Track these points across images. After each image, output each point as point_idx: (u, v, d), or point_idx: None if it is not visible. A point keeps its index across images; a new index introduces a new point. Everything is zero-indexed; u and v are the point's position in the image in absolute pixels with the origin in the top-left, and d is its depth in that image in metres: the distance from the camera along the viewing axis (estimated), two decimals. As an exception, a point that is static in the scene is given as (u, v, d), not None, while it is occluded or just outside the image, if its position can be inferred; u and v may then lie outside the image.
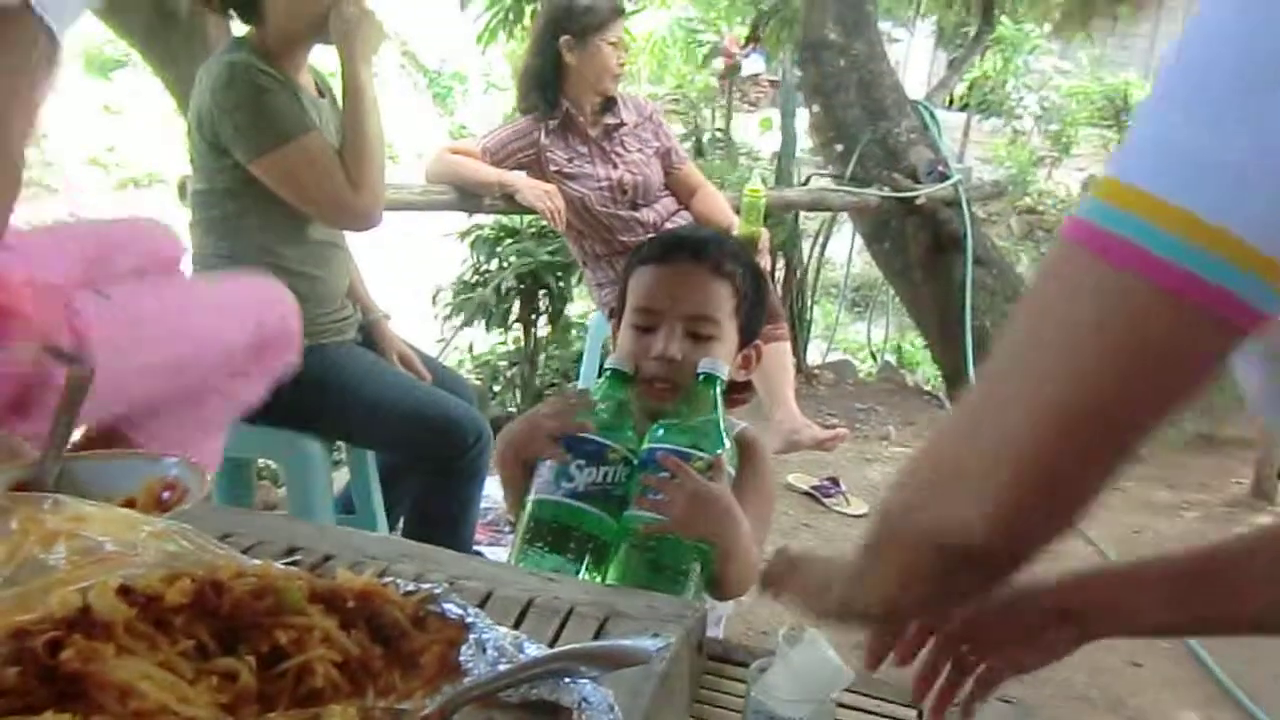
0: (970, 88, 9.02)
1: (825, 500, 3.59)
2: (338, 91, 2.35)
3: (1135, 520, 3.75)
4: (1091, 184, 0.62)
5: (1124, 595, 1.00)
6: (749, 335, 1.53)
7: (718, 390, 1.38)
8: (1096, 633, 1.00)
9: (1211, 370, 0.62)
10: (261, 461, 3.10)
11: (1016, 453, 0.64)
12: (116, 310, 1.47)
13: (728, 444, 1.37)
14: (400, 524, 2.52)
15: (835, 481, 3.65)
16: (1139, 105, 0.65)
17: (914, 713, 1.21)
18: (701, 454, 1.33)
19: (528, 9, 5.19)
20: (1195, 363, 0.61)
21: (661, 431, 1.37)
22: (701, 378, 1.39)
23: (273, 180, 2.22)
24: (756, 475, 1.47)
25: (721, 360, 1.42)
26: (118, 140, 9.27)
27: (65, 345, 1.30)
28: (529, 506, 1.35)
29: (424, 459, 2.34)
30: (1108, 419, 0.63)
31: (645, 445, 1.37)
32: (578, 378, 3.88)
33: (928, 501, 0.72)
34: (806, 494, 3.64)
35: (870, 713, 1.20)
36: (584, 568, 1.31)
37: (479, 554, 2.47)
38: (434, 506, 2.35)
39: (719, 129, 5.91)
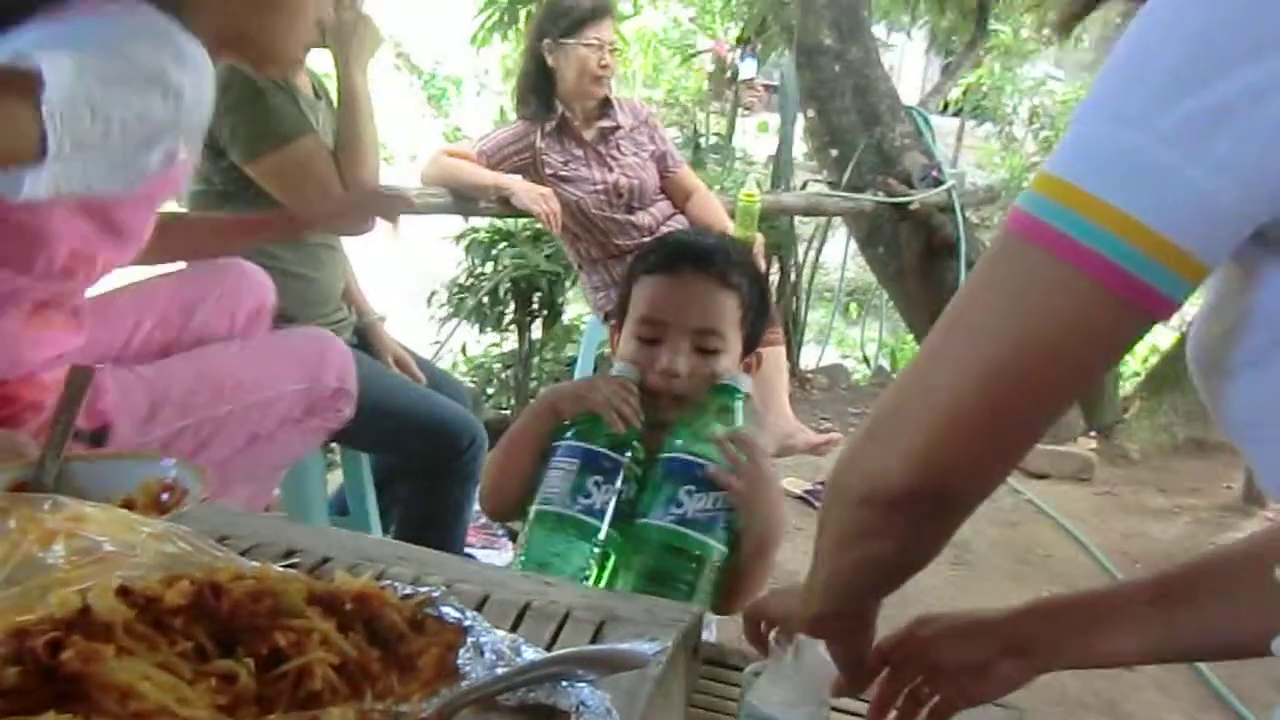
0: (964, 93, 9.03)
1: (818, 504, 3.59)
2: (334, 94, 2.35)
3: (1127, 525, 3.77)
4: (1034, 178, 0.66)
5: (1076, 626, 1.00)
6: (752, 344, 1.53)
7: (738, 403, 1.40)
8: (1049, 665, 1.00)
9: (1121, 347, 0.69)
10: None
11: (938, 402, 0.71)
12: (144, 383, 1.53)
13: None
14: (394, 527, 2.52)
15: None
16: (1078, 105, 0.69)
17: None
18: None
19: (522, 11, 5.19)
20: (1105, 338, 0.68)
21: (680, 440, 1.39)
22: (722, 389, 1.42)
23: (267, 182, 2.22)
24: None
25: (733, 371, 1.46)
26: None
27: (85, 425, 1.36)
28: (547, 517, 1.36)
29: (418, 461, 2.34)
30: (1024, 378, 0.68)
31: (667, 453, 1.39)
32: (571, 378, 3.88)
33: (857, 461, 0.79)
34: (800, 498, 3.64)
35: (863, 716, 1.20)
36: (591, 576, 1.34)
37: (471, 557, 2.48)
38: (427, 508, 2.35)
39: (717, 134, 5.91)
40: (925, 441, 0.71)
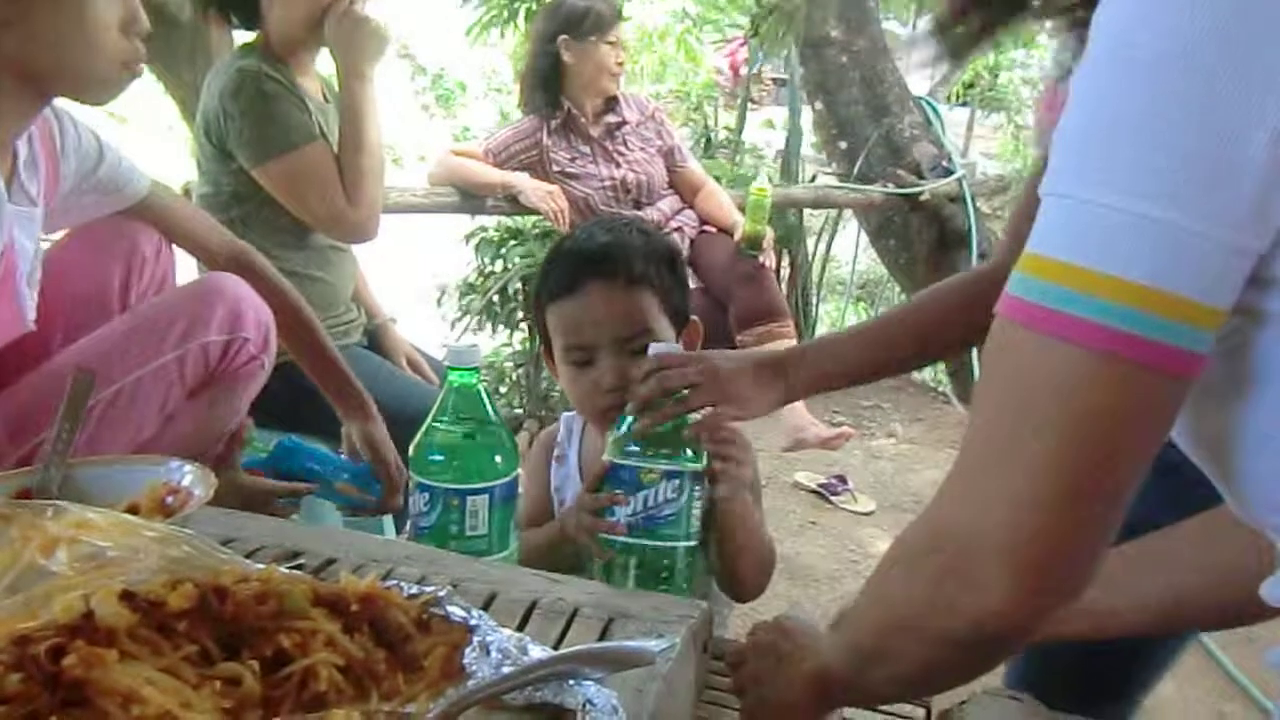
0: (972, 83, 8.99)
1: (832, 498, 3.59)
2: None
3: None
4: (1020, 261, 0.64)
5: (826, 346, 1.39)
6: (682, 319, 1.48)
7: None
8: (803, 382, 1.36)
9: (1169, 418, 0.65)
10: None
11: (1009, 544, 0.67)
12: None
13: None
14: (407, 527, 2.51)
15: (842, 479, 3.64)
16: (1046, 177, 0.66)
17: (922, 710, 1.21)
18: (678, 465, 1.29)
19: (521, 8, 5.18)
20: (1148, 415, 0.65)
21: (635, 446, 1.30)
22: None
23: (274, 187, 2.23)
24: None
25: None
26: (122, 147, 9.29)
27: None
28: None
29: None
30: (1080, 490, 0.65)
31: (616, 458, 1.30)
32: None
33: (943, 602, 0.72)
34: (813, 492, 3.63)
35: (878, 711, 1.19)
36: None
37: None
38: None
39: (727, 128, 5.89)
40: (1016, 590, 0.67)
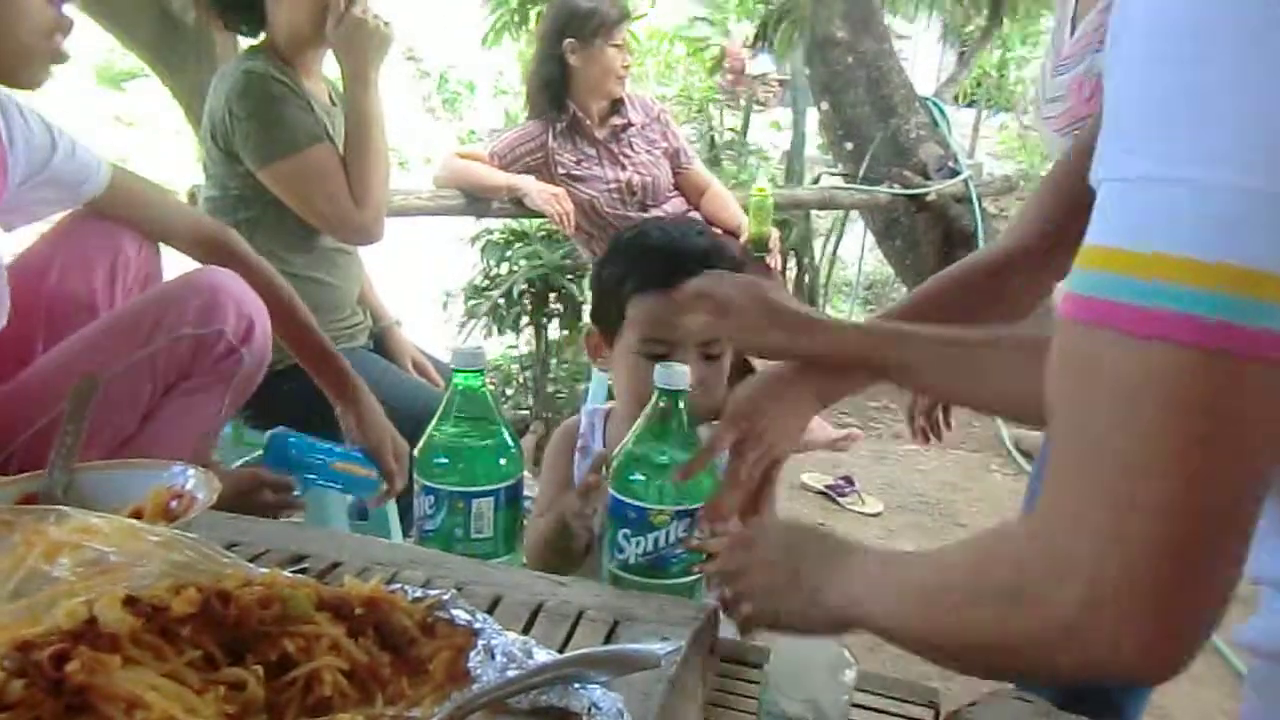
0: (979, 84, 8.98)
1: (840, 499, 3.58)
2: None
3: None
4: (1082, 256, 0.59)
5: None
6: None
7: (680, 404, 1.28)
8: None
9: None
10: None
11: (1138, 578, 0.59)
12: None
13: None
14: (414, 530, 2.51)
15: (850, 480, 3.64)
16: (1098, 164, 0.61)
17: (931, 711, 1.20)
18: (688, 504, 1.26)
19: (532, 11, 5.19)
20: (1263, 412, 0.56)
21: (620, 465, 1.26)
22: (667, 395, 1.28)
23: (279, 189, 2.23)
24: None
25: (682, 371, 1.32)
26: (130, 151, 9.32)
27: None
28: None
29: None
30: (1207, 511, 0.58)
31: (622, 494, 1.26)
32: (588, 378, 3.87)
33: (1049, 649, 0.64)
34: (821, 493, 3.62)
35: (886, 713, 1.19)
36: None
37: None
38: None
39: (732, 129, 5.89)
40: (1152, 633, 0.60)
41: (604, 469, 1.31)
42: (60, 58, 1.53)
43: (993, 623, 0.68)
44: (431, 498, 1.27)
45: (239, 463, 1.79)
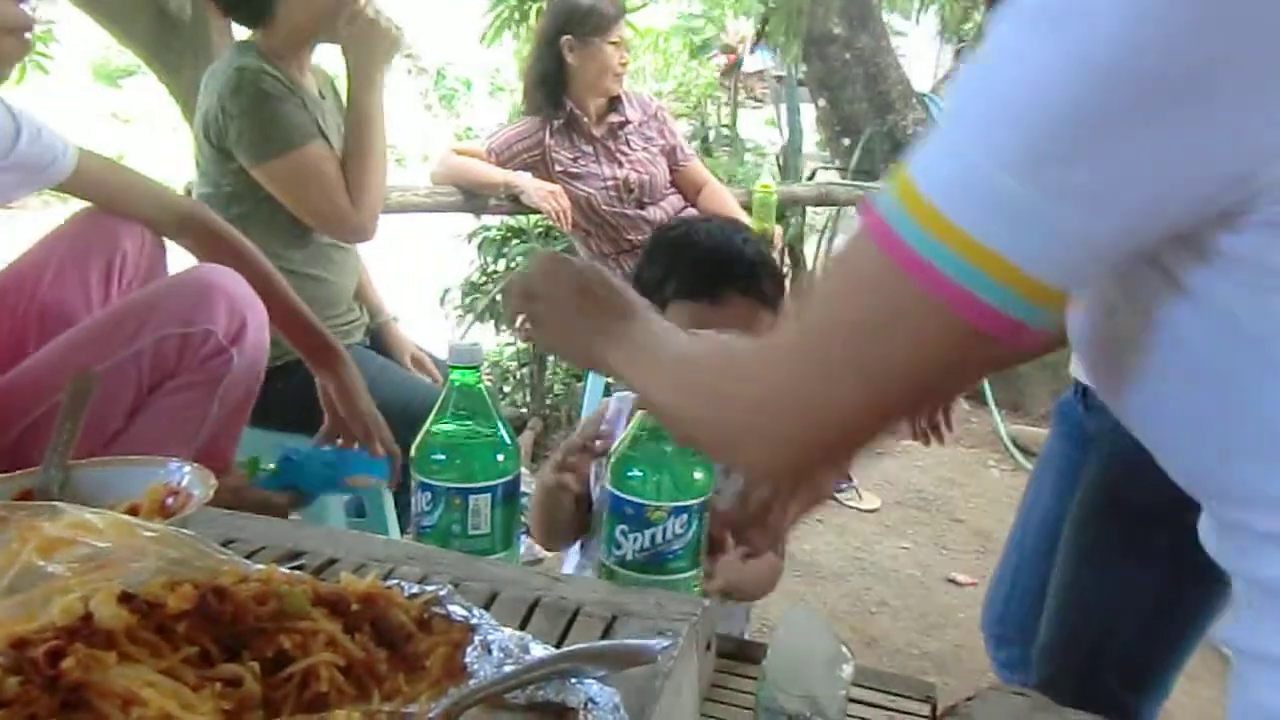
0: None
1: (838, 496, 3.59)
2: (343, 93, 2.34)
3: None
4: (893, 177, 0.67)
5: None
6: None
7: None
8: None
9: (976, 370, 0.78)
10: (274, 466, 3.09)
11: (815, 412, 0.74)
12: None
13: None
14: (410, 527, 2.51)
15: (847, 477, 3.64)
16: (942, 110, 0.72)
17: (928, 706, 1.20)
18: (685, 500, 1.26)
19: (532, 8, 5.18)
20: (962, 364, 0.70)
21: (637, 472, 1.27)
22: None
23: (274, 186, 2.22)
24: None
25: None
26: (127, 148, 9.31)
27: None
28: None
29: (434, 461, 2.34)
30: (901, 399, 0.73)
31: (619, 490, 1.27)
32: (585, 377, 3.87)
33: (736, 437, 0.81)
34: (819, 490, 3.62)
35: (883, 708, 1.19)
36: None
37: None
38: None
39: (724, 125, 5.88)
40: (786, 452, 0.77)
41: (596, 447, 1.32)
42: (22, 53, 1.52)
43: (707, 410, 0.84)
44: (429, 494, 1.27)
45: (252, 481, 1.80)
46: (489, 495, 1.26)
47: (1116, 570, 1.53)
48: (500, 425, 1.29)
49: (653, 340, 0.97)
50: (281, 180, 2.21)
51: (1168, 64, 0.58)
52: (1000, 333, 0.66)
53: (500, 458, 1.28)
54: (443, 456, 1.27)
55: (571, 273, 1.08)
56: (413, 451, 1.30)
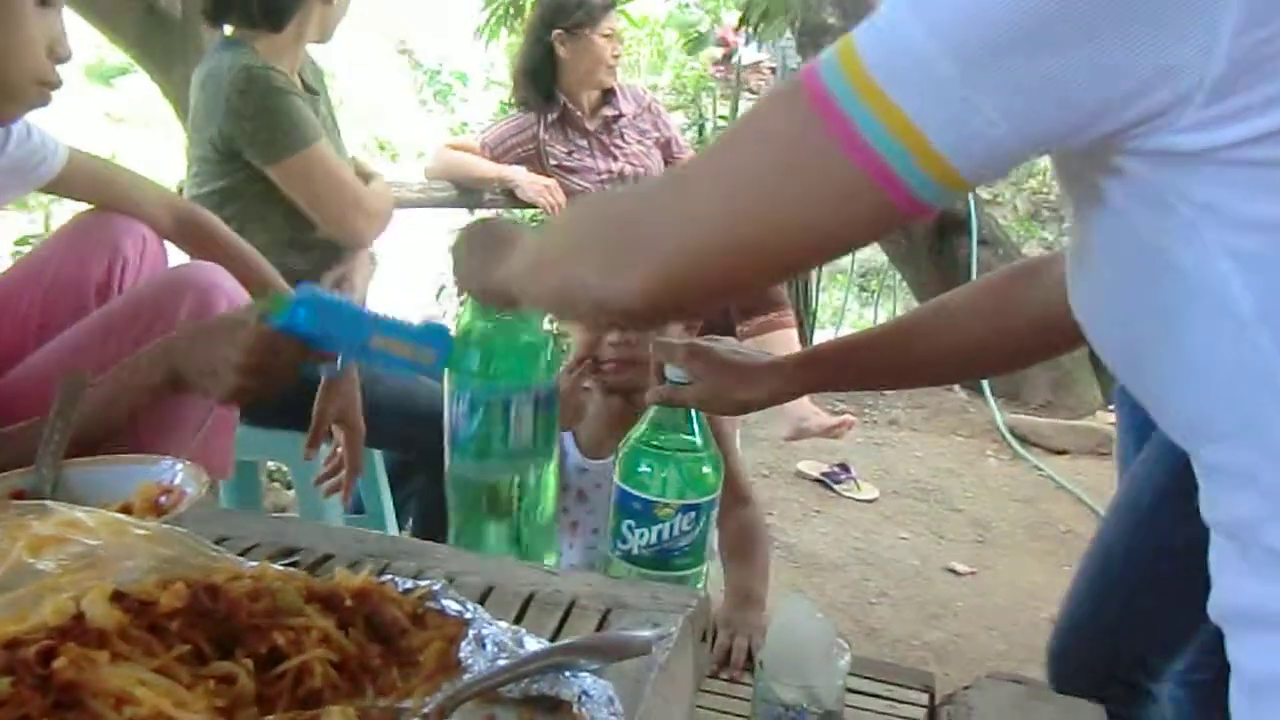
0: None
1: (836, 486, 3.58)
2: (331, 90, 2.34)
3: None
4: (841, 41, 0.69)
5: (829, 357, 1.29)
6: None
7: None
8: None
9: (871, 239, 0.75)
10: (273, 464, 3.10)
11: (685, 241, 0.74)
12: None
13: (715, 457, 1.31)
14: (410, 523, 2.51)
15: (845, 467, 3.63)
16: None
17: (925, 695, 1.20)
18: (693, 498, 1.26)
19: (527, 3, 5.17)
20: (860, 229, 0.72)
21: (646, 468, 1.26)
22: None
23: (290, 185, 2.21)
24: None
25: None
26: (120, 147, 9.29)
27: None
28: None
29: (431, 456, 2.32)
30: (773, 241, 0.72)
31: (629, 486, 1.26)
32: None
33: (588, 266, 0.82)
34: (817, 480, 3.62)
35: (882, 698, 1.19)
36: None
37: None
38: (442, 503, 2.33)
39: (722, 116, 5.87)
40: (664, 274, 0.76)
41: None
42: (41, 105, 1.52)
43: (589, 235, 0.85)
44: (466, 401, 1.20)
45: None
46: (531, 397, 1.20)
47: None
48: (537, 326, 1.23)
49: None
50: (297, 177, 2.21)
51: None
52: (908, 212, 0.68)
53: (541, 359, 1.22)
54: (478, 357, 1.20)
55: (481, 228, 1.16)
56: (447, 363, 1.23)
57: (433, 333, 1.27)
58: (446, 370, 1.21)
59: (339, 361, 1.41)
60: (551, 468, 1.27)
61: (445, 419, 1.24)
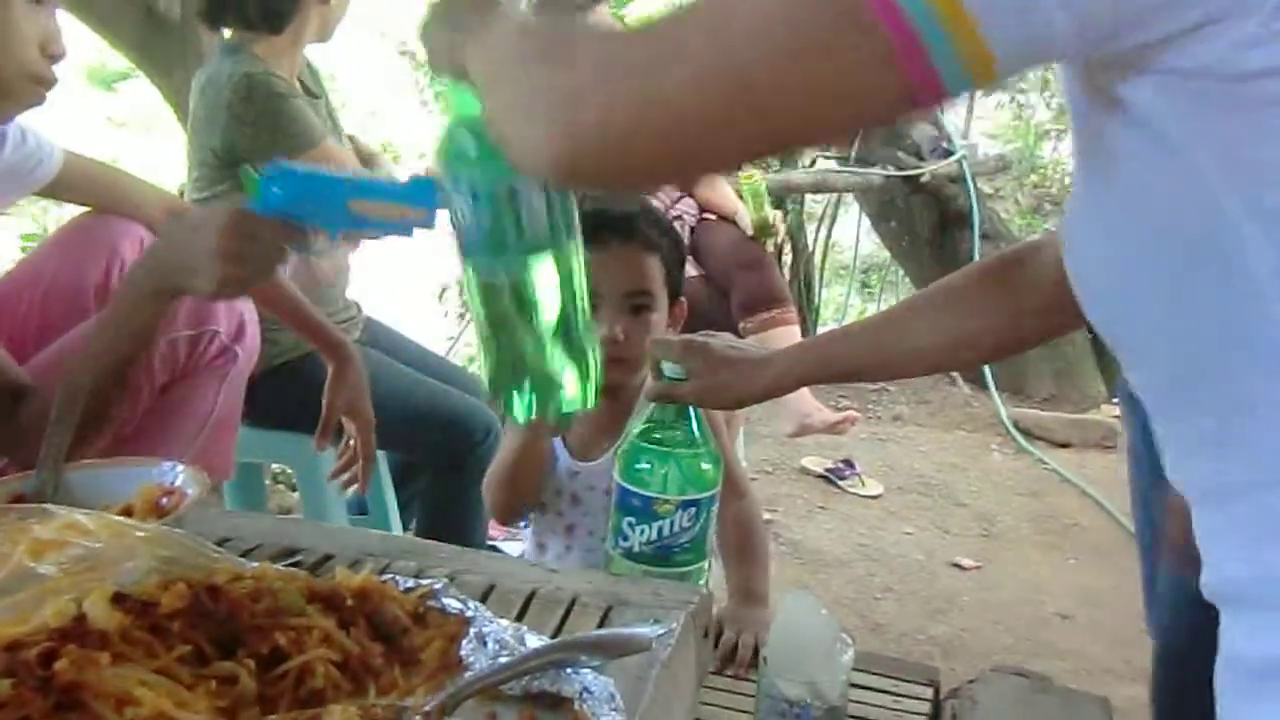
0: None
1: (840, 482, 3.58)
2: (332, 93, 2.34)
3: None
4: None
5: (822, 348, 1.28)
6: (674, 296, 1.57)
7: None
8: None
9: (875, 121, 0.71)
10: (277, 466, 3.10)
11: (671, 93, 0.64)
12: None
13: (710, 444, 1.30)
14: (414, 523, 2.52)
15: (849, 463, 3.63)
16: None
17: (930, 690, 1.20)
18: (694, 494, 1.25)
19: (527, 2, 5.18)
20: (868, 105, 0.64)
21: (625, 452, 1.27)
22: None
23: None
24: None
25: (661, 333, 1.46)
26: (121, 152, 9.30)
27: None
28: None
29: (435, 456, 2.33)
30: (770, 103, 0.64)
31: (628, 483, 1.26)
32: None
33: (558, 94, 0.70)
34: (821, 476, 3.62)
35: (887, 692, 1.19)
36: None
37: (494, 549, 2.47)
38: (445, 504, 2.34)
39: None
40: (639, 128, 0.66)
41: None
42: (36, 104, 1.51)
43: (556, 62, 0.71)
44: (470, 197, 1.07)
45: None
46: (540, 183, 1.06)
47: None
48: None
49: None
50: None
51: None
52: (925, 98, 0.62)
53: None
54: (474, 144, 1.05)
55: None
56: (441, 155, 1.10)
57: (418, 186, 1.20)
58: (445, 166, 1.09)
59: (327, 237, 1.30)
60: (577, 252, 1.15)
61: (451, 223, 1.12)
